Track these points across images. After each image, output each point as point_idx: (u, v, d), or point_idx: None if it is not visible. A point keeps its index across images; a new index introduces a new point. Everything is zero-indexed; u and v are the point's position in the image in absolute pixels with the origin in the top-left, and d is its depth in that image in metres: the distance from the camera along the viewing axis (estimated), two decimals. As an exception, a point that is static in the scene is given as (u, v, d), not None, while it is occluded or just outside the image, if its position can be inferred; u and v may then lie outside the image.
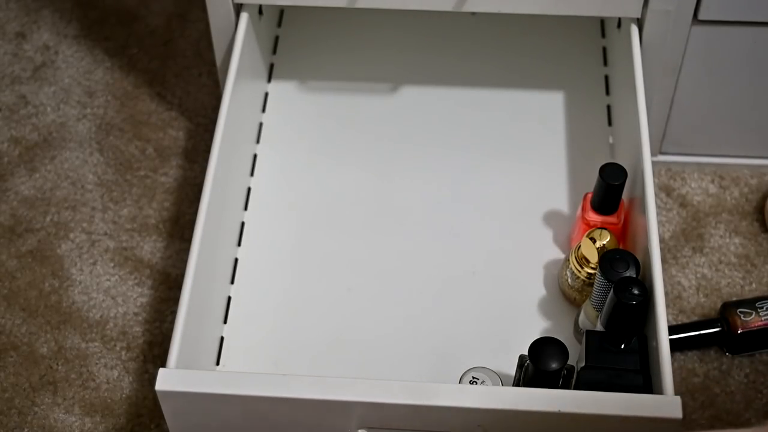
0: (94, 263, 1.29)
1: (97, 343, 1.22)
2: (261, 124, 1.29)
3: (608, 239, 1.06)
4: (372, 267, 1.16)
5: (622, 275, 0.98)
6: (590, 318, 1.04)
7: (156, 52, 1.51)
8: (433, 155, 1.26)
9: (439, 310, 1.13)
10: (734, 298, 1.24)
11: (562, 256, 1.17)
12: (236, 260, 1.17)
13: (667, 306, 1.22)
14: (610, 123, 1.29)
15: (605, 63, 1.35)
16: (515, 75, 1.34)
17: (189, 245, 1.02)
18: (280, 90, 1.33)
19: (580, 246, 1.07)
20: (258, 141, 1.28)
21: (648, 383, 0.94)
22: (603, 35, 1.37)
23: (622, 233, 1.11)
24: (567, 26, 1.37)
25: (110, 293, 1.26)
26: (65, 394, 1.19)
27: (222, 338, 1.11)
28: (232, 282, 1.15)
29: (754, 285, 1.25)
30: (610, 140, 1.27)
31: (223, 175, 1.10)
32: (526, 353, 0.96)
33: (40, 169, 1.38)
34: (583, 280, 1.08)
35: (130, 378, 1.20)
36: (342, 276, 1.16)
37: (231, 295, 1.14)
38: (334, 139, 1.28)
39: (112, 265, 1.29)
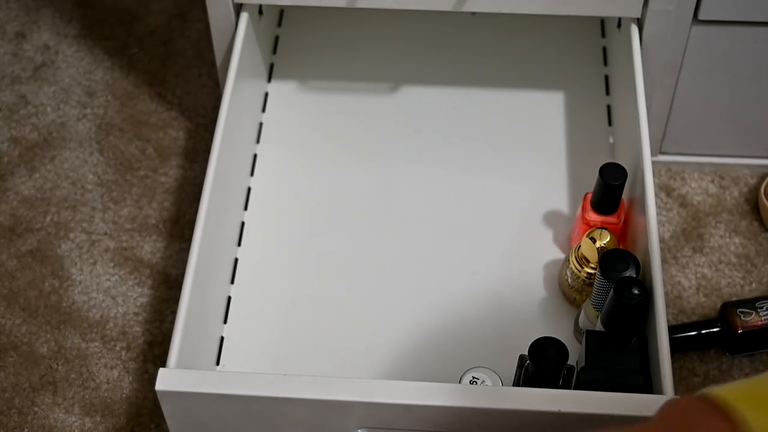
0: (94, 263, 1.29)
1: (97, 343, 1.22)
2: (261, 124, 1.29)
3: (608, 239, 1.06)
4: (372, 267, 1.16)
5: (622, 275, 0.98)
6: (590, 318, 1.04)
7: (156, 52, 1.51)
8: (433, 155, 1.26)
9: (439, 310, 1.13)
10: (734, 298, 1.24)
11: (562, 256, 1.17)
12: (236, 260, 1.17)
13: (667, 306, 1.22)
14: (610, 123, 1.29)
15: (605, 63, 1.35)
16: (515, 75, 1.34)
17: (189, 245, 1.02)
18: (280, 90, 1.33)
19: (580, 246, 1.07)
20: (258, 141, 1.28)
21: (648, 383, 0.94)
22: (603, 35, 1.37)
23: (622, 233, 1.11)
24: (567, 26, 1.37)
25: (110, 293, 1.26)
26: (65, 394, 1.19)
27: (222, 338, 1.11)
28: (232, 282, 1.15)
29: (754, 285, 1.25)
30: (610, 140, 1.27)
31: (223, 175, 1.10)
32: (526, 353, 0.96)
33: (40, 169, 1.38)
34: (583, 280, 1.08)
35: (130, 378, 1.20)
36: (342, 276, 1.16)
37: (231, 295, 1.14)
38: (334, 139, 1.28)
39: (112, 265, 1.29)
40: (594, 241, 1.06)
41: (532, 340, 0.95)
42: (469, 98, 1.31)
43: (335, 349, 1.10)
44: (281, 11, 1.41)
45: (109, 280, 1.27)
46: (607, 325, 0.96)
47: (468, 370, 1.03)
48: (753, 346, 1.18)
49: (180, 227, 1.32)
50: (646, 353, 0.95)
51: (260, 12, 1.26)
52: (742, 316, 1.17)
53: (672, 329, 1.17)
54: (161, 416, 1.15)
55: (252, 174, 1.25)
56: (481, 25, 1.39)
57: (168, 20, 1.55)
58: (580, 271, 1.07)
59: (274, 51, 1.37)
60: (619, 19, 1.24)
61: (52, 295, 1.26)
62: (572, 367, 0.99)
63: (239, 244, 1.18)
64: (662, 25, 1.16)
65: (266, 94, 1.32)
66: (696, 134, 1.32)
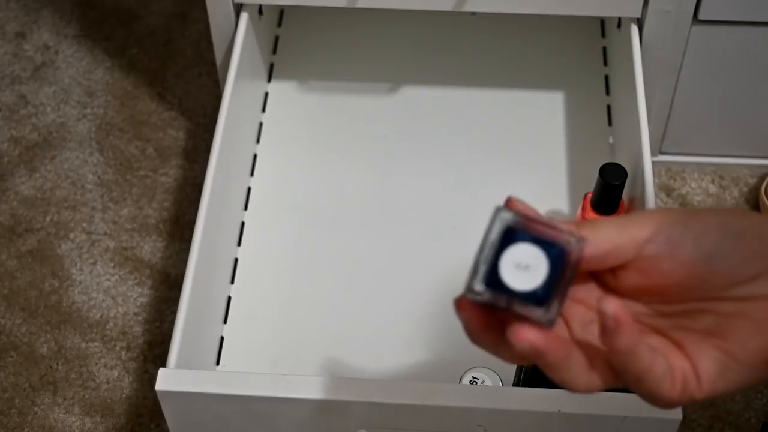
0: (94, 263, 1.29)
1: (97, 343, 1.22)
2: (261, 124, 1.29)
3: (608, 239, 1.06)
4: (372, 267, 1.16)
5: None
6: (590, 318, 1.04)
7: (156, 52, 1.51)
8: (433, 155, 1.26)
9: (439, 310, 1.13)
10: (734, 298, 1.23)
11: (562, 256, 1.16)
12: (236, 260, 1.17)
13: (667, 306, 1.22)
14: (610, 123, 1.29)
15: (605, 63, 1.35)
16: (515, 75, 1.34)
17: (189, 245, 1.02)
18: (280, 90, 1.33)
19: (580, 246, 1.07)
20: (258, 141, 1.28)
21: (648, 383, 0.93)
22: (603, 35, 1.37)
23: (622, 233, 1.11)
24: (567, 26, 1.37)
25: (110, 293, 1.26)
26: (65, 394, 1.19)
27: (222, 338, 1.11)
28: (232, 282, 1.15)
29: (754, 285, 1.25)
30: (610, 140, 1.27)
31: (223, 175, 1.10)
32: (526, 353, 0.96)
33: (40, 169, 1.38)
34: (583, 280, 1.08)
35: (130, 378, 1.20)
36: (342, 276, 1.16)
37: (231, 295, 1.14)
38: (334, 139, 1.28)
39: (112, 265, 1.29)
40: (594, 241, 1.06)
41: (532, 340, 0.94)
42: (469, 98, 1.31)
43: (335, 349, 1.10)
44: (281, 11, 1.41)
45: (109, 280, 1.27)
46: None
47: (468, 370, 1.03)
48: (753, 346, 1.18)
49: (180, 227, 1.32)
50: (646, 353, 0.95)
51: (260, 12, 1.26)
52: (742, 316, 1.17)
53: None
54: (161, 416, 1.15)
55: (252, 174, 1.25)
56: (481, 25, 1.39)
57: (168, 20, 1.55)
58: (580, 271, 1.07)
59: (274, 51, 1.37)
60: (619, 19, 1.24)
61: (52, 295, 1.26)
62: (572, 367, 0.98)
63: (239, 244, 1.18)
64: (662, 25, 1.16)
65: (266, 94, 1.32)
66: (696, 134, 1.32)
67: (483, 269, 0.53)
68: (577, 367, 0.55)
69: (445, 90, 1.32)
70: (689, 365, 0.55)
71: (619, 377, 0.55)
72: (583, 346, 0.56)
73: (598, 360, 0.55)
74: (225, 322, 1.13)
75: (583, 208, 1.11)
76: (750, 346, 0.55)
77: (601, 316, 0.52)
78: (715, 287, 0.56)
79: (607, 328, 0.52)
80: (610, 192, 1.08)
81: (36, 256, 1.30)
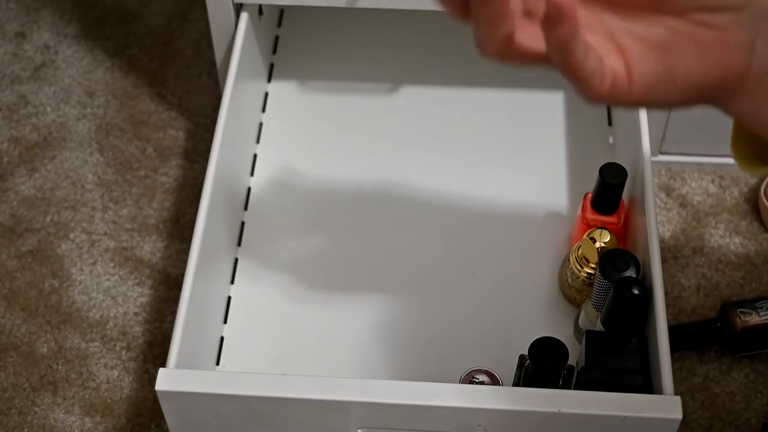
0: (94, 263, 1.29)
1: (97, 343, 1.22)
2: (261, 124, 1.29)
3: (608, 239, 1.06)
4: (372, 267, 1.16)
5: (622, 275, 0.98)
6: (590, 318, 1.04)
7: (156, 52, 1.51)
8: (432, 155, 1.26)
9: (439, 310, 1.13)
10: (734, 298, 1.24)
11: (562, 256, 1.17)
12: (236, 260, 1.17)
13: (667, 306, 1.22)
14: (610, 123, 1.29)
15: (605, 63, 1.34)
16: (515, 75, 1.34)
17: (189, 245, 1.02)
18: (280, 90, 1.33)
19: (580, 246, 1.07)
20: (258, 141, 1.28)
21: (648, 383, 0.94)
22: (603, 35, 1.37)
23: (622, 233, 1.11)
24: (567, 26, 1.37)
25: (110, 293, 1.26)
26: (65, 394, 1.19)
27: (222, 338, 1.11)
28: (232, 282, 1.15)
29: (754, 285, 1.25)
30: (610, 140, 1.27)
31: (223, 175, 1.10)
32: (526, 353, 0.96)
33: (40, 169, 1.38)
34: (583, 280, 1.08)
35: (130, 378, 1.20)
36: (342, 276, 1.16)
37: (231, 295, 1.14)
38: (334, 139, 1.28)
39: (112, 265, 1.29)
40: (594, 241, 1.06)
41: (532, 340, 0.95)
42: (469, 98, 1.31)
43: (335, 349, 1.10)
44: (281, 11, 1.41)
45: (109, 280, 1.27)
46: (607, 325, 0.96)
47: (468, 370, 1.03)
48: (753, 346, 1.18)
49: (180, 227, 1.32)
50: (646, 353, 0.95)
51: (260, 12, 1.26)
52: (742, 316, 1.17)
53: (672, 329, 1.17)
54: (161, 416, 1.15)
55: (252, 174, 1.25)
56: (481, 25, 1.38)
57: (168, 20, 1.55)
58: (580, 271, 1.07)
59: (274, 51, 1.37)
60: (619, 19, 1.24)
61: (52, 295, 1.26)
62: (572, 367, 0.99)
63: (239, 244, 1.18)
64: (662, 25, 1.16)
65: (266, 94, 1.32)
66: (696, 134, 1.32)
67: None
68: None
69: (445, 90, 1.32)
70: (623, 68, 0.57)
71: (549, 60, 0.58)
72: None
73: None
74: (225, 322, 1.13)
75: (583, 208, 1.11)
76: (691, 68, 0.57)
77: (548, 2, 0.53)
78: (679, 3, 0.57)
79: (549, 17, 0.53)
80: (609, 191, 1.08)
81: (36, 256, 1.30)
